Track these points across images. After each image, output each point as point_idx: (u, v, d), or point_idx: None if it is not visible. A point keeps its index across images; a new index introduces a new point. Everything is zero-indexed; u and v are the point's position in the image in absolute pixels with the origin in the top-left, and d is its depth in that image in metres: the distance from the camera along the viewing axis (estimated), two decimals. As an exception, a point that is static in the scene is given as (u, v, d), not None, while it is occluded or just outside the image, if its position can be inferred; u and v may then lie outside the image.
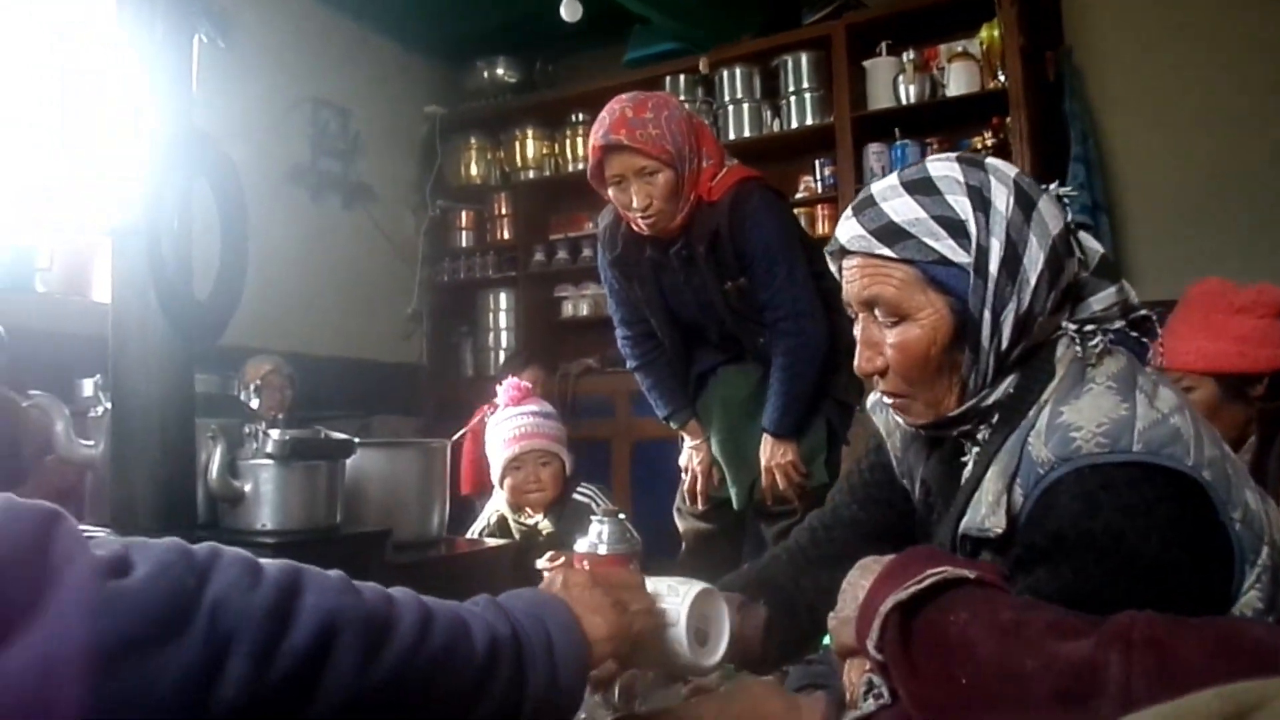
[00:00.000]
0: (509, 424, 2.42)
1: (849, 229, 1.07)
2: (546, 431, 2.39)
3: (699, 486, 2.38)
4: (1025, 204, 1.02)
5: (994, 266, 0.99)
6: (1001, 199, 1.01)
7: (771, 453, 2.21)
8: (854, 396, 2.28)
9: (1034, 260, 1.00)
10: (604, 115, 2.16)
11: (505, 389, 2.50)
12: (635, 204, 2.14)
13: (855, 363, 1.09)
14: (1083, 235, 1.08)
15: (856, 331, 1.10)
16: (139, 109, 1.51)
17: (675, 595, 1.04)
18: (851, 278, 1.07)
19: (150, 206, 1.43)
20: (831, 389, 2.28)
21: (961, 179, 1.03)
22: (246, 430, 1.48)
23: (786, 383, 2.19)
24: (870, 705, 0.89)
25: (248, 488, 1.46)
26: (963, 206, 1.01)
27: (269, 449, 1.44)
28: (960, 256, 1.00)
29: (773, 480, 2.22)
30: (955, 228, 1.00)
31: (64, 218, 3.68)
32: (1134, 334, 1.05)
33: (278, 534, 1.45)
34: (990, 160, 1.07)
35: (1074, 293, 1.06)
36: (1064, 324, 1.04)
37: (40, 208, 3.63)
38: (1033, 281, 1.00)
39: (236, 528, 1.48)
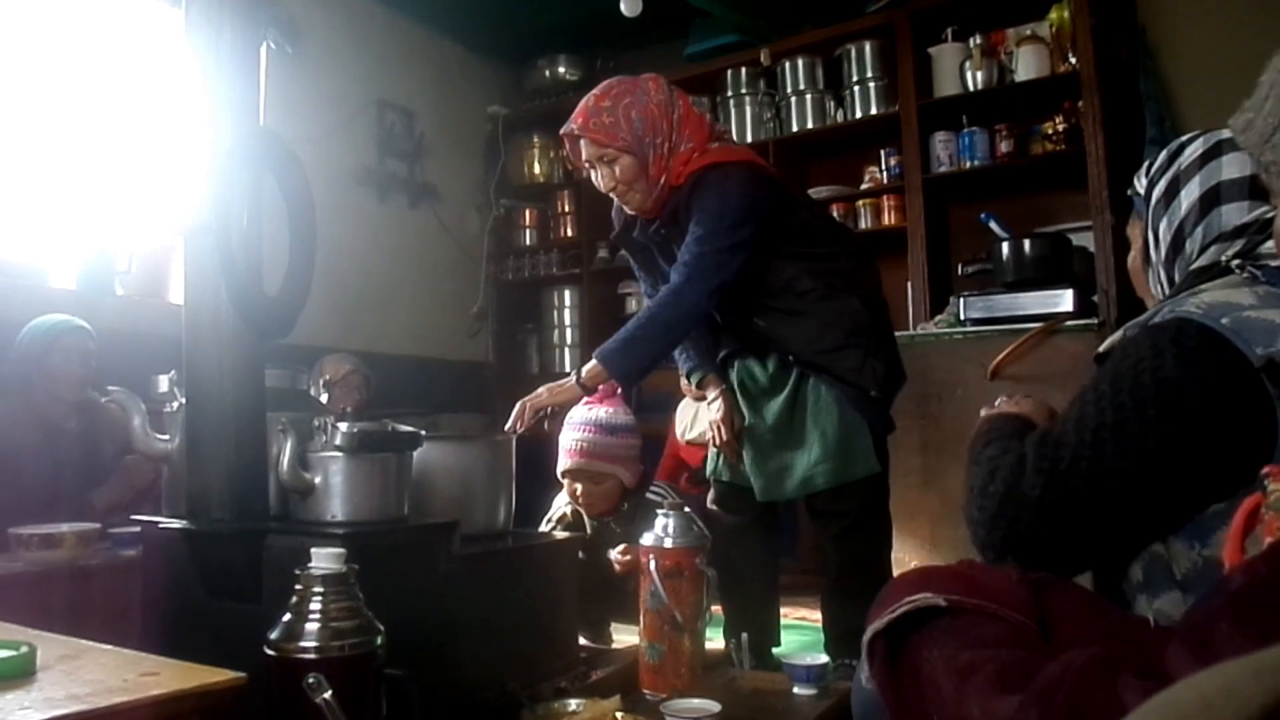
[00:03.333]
0: (573, 433, 2.43)
1: None
2: (604, 451, 2.40)
3: (725, 437, 2.35)
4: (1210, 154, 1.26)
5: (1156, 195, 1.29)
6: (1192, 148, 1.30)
7: (558, 387, 2.19)
8: (869, 381, 2.20)
9: (1190, 194, 1.24)
10: (580, 103, 2.25)
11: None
12: (603, 185, 2.25)
13: None
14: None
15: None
16: (209, 113, 1.54)
17: None
18: None
19: (220, 205, 1.46)
20: (836, 369, 2.21)
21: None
22: (316, 423, 1.50)
23: (640, 322, 2.16)
24: None
25: (318, 479, 1.49)
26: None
27: (338, 441, 1.46)
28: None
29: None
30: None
31: (142, 222, 3.79)
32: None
33: (347, 525, 1.48)
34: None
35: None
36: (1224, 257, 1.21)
37: (119, 213, 3.75)
38: (1184, 210, 1.23)
39: (307, 519, 1.51)
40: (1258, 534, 0.84)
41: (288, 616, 1.20)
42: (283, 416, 1.51)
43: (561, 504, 2.58)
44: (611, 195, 2.28)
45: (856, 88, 4.32)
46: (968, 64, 3.97)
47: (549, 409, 2.17)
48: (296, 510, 1.53)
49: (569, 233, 5.17)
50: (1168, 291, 1.29)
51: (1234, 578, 0.67)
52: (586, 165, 2.27)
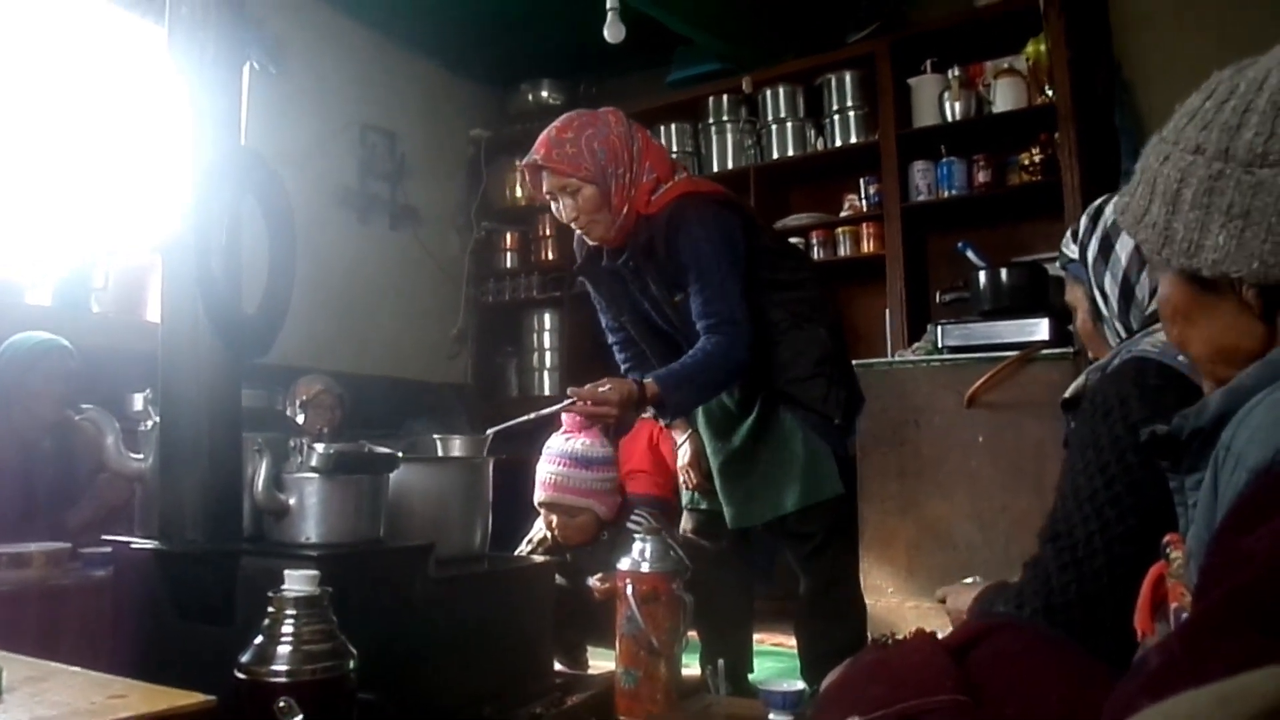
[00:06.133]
0: (549, 465, 2.43)
1: None
2: (578, 485, 2.40)
3: (695, 480, 2.39)
4: None
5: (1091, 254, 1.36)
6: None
7: (607, 384, 2.09)
8: (833, 410, 2.24)
9: (1125, 245, 1.31)
10: (541, 134, 2.26)
11: (566, 414, 2.51)
12: (564, 216, 2.24)
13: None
14: None
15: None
16: (190, 131, 1.54)
17: None
18: None
19: (199, 223, 1.45)
20: (806, 399, 2.24)
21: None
22: (291, 444, 1.50)
23: (695, 367, 2.11)
24: None
25: (292, 501, 1.48)
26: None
27: (313, 462, 1.46)
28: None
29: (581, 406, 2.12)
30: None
31: (120, 239, 3.77)
32: None
33: (321, 546, 1.47)
34: None
35: None
36: None
37: (96, 229, 3.72)
38: (1124, 261, 1.29)
39: (281, 540, 1.49)
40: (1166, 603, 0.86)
41: (260, 639, 1.19)
42: (258, 437, 1.50)
43: (541, 527, 2.57)
44: (573, 226, 2.27)
45: (837, 116, 4.37)
46: (946, 95, 4.02)
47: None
48: (271, 531, 1.52)
49: (550, 256, 5.17)
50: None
51: (1151, 658, 0.69)
52: (548, 196, 2.27)
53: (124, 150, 3.81)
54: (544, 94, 5.20)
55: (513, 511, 2.67)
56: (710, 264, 2.15)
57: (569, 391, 2.12)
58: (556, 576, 2.18)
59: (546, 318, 5.17)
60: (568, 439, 2.46)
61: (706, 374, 2.13)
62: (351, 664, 1.21)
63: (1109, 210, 1.37)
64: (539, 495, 2.45)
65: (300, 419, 2.21)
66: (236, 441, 1.51)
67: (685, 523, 2.50)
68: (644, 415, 2.35)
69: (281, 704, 1.11)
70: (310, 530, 1.48)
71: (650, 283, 2.24)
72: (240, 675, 1.16)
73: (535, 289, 5.15)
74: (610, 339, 2.50)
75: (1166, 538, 0.92)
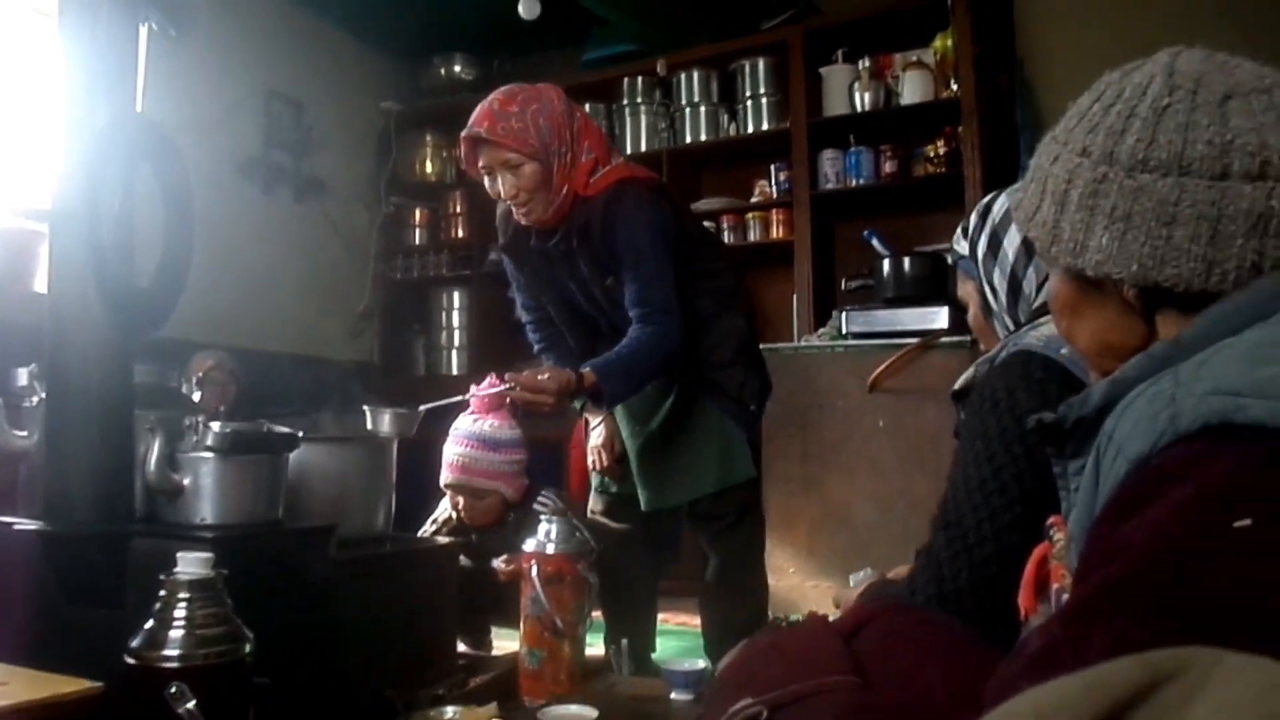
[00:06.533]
0: (455, 447, 2.41)
1: None
2: (485, 467, 2.37)
3: (605, 463, 2.38)
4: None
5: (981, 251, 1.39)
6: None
7: (548, 373, 2.09)
8: (749, 397, 2.30)
9: (1012, 241, 1.35)
10: (477, 109, 2.18)
11: (474, 395, 2.48)
12: (503, 193, 2.18)
13: None
14: None
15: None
16: (81, 95, 1.47)
17: None
18: None
19: (89, 191, 1.40)
20: (725, 385, 2.29)
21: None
22: (187, 423, 1.45)
23: (631, 357, 2.13)
24: None
25: (187, 481, 1.44)
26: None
27: (209, 441, 1.42)
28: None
29: (517, 394, 2.14)
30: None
31: (4, 207, 3.59)
32: None
33: (217, 528, 1.43)
34: None
35: None
36: None
37: (-20, 195, 3.54)
38: (1011, 257, 1.33)
39: (175, 521, 1.45)
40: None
41: (150, 623, 1.15)
42: (151, 415, 1.46)
43: (446, 507, 2.55)
44: (509, 204, 2.22)
45: (749, 102, 4.40)
46: (856, 85, 4.09)
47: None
48: (164, 513, 1.47)
49: (460, 234, 5.11)
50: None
51: (1031, 640, 0.72)
52: (484, 171, 2.21)
53: (10, 113, 3.63)
54: (457, 69, 5.12)
55: (418, 492, 2.64)
56: (646, 253, 2.16)
57: (507, 377, 2.10)
58: (461, 558, 2.17)
59: (456, 296, 5.10)
60: (475, 420, 2.44)
61: (642, 363, 2.15)
62: (247, 648, 1.18)
63: (997, 207, 1.41)
64: (445, 477, 2.42)
65: (197, 396, 2.14)
66: (128, 419, 1.46)
67: (593, 504, 2.50)
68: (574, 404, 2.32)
69: (173, 690, 1.08)
70: (205, 511, 1.44)
71: (581, 265, 2.22)
72: (130, 661, 1.13)
73: (445, 267, 5.08)
74: (525, 318, 2.47)
75: (1050, 520, 0.96)
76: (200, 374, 3.28)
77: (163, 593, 1.17)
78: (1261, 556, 0.64)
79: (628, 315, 2.24)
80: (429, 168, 5.19)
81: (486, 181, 2.23)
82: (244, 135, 4.44)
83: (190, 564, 1.18)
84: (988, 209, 1.44)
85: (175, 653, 1.13)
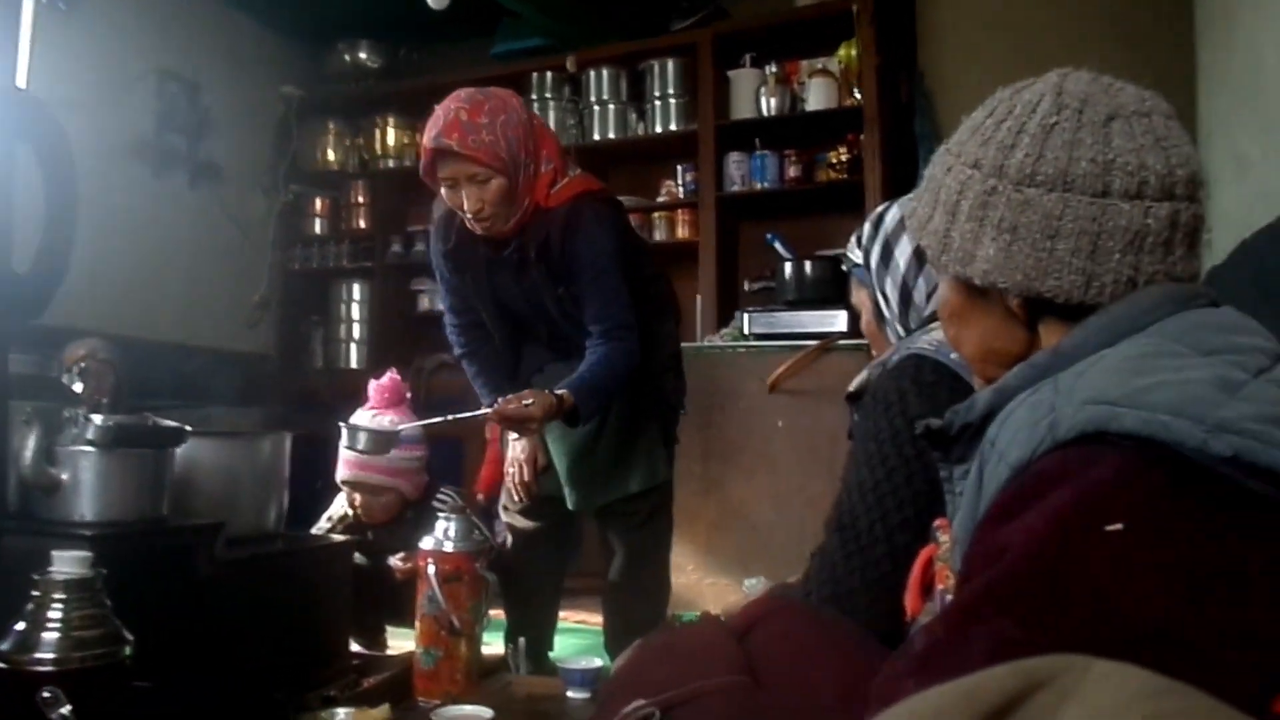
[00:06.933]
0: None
1: None
2: (383, 464, 2.33)
3: (525, 478, 2.36)
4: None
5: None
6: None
7: (530, 398, 2.06)
8: (677, 400, 2.41)
9: (903, 251, 1.38)
10: (438, 113, 2.09)
11: (373, 389, 2.43)
12: (467, 207, 2.10)
13: None
14: None
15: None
16: (-44, 66, 1.40)
17: None
18: None
19: (-36, 171, 1.33)
20: (658, 391, 2.35)
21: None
22: (66, 415, 1.39)
23: (604, 375, 2.15)
24: None
25: (65, 476, 1.38)
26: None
27: (90, 435, 1.37)
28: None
29: (497, 419, 2.11)
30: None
31: None
32: None
33: (97, 525, 1.38)
34: None
35: None
36: None
37: None
38: (902, 267, 1.37)
39: (52, 518, 1.39)
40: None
41: (21, 625, 1.10)
42: (27, 405, 1.39)
43: (342, 504, 2.50)
44: (467, 216, 2.13)
45: (658, 102, 4.42)
46: (763, 90, 4.14)
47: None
48: (39, 509, 1.41)
49: (362, 224, 5.01)
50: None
51: (916, 640, 0.75)
52: (445, 183, 2.11)
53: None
54: (362, 55, 5.02)
55: (314, 488, 2.58)
56: (608, 268, 2.16)
57: (498, 403, 2.06)
58: (357, 555, 2.13)
59: (356, 288, 5.00)
60: (374, 415, 2.39)
61: (612, 381, 2.16)
62: (127, 650, 1.14)
63: (889, 217, 1.45)
64: (342, 473, 2.37)
65: (78, 387, 2.05)
66: (1, 410, 1.40)
67: (505, 500, 2.47)
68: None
69: (46, 695, 1.04)
70: (84, 508, 1.39)
71: (533, 274, 2.19)
72: (-1, 664, 1.08)
73: (345, 258, 4.97)
74: (452, 320, 2.38)
75: (936, 522, 0.99)
76: (75, 363, 3.14)
77: (36, 593, 1.12)
78: (1132, 560, 0.67)
79: (576, 323, 2.23)
80: (331, 155, 5.07)
81: (445, 192, 2.13)
82: (136, 116, 4.27)
83: (66, 563, 1.13)
84: (880, 219, 1.48)
85: (49, 656, 1.08)
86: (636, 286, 2.27)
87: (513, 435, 2.35)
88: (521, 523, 2.42)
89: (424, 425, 2.24)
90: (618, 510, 2.34)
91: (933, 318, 1.35)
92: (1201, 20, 3.05)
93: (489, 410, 2.09)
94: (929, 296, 1.39)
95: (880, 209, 1.50)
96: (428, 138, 2.07)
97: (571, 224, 2.15)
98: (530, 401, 2.04)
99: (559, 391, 2.06)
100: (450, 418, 2.14)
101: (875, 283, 1.47)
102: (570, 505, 2.33)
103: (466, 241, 2.25)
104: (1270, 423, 0.68)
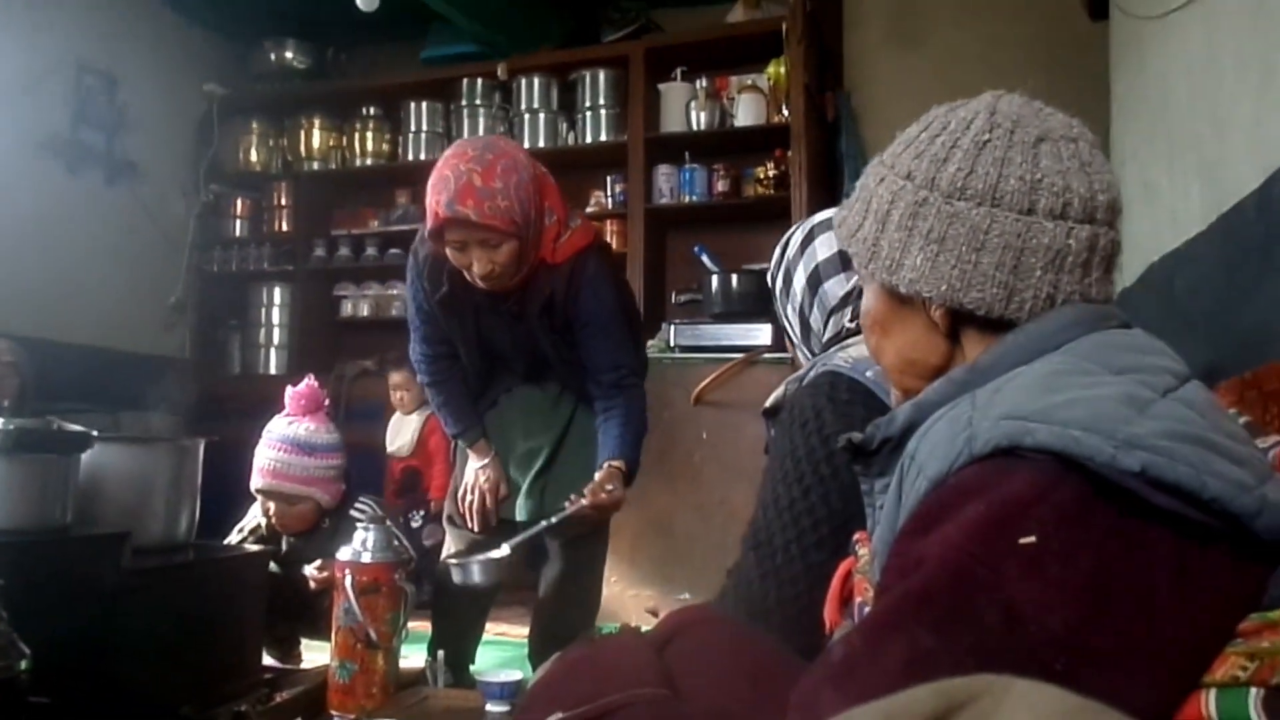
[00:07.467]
0: (269, 450, 2.31)
1: None
2: (298, 473, 2.29)
3: (487, 504, 2.32)
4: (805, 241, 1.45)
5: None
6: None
7: (609, 482, 2.14)
8: None
9: (799, 280, 1.40)
10: (447, 175, 1.99)
11: (290, 396, 2.38)
12: (476, 270, 2.04)
13: None
14: None
15: None
16: None
17: None
18: None
19: None
20: None
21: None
22: (-36, 418, 1.34)
23: (636, 428, 2.25)
24: None
25: (-39, 482, 1.32)
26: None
27: (-11, 439, 1.31)
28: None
29: (592, 511, 2.15)
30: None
31: None
32: None
33: (-5, 534, 1.32)
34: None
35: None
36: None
37: None
38: (799, 295, 1.40)
39: (-55, 526, 1.33)
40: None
41: (-90, 637, 1.05)
42: (-78, 408, 1.33)
43: (256, 514, 2.44)
44: (476, 277, 2.05)
45: (589, 113, 4.42)
46: (693, 104, 4.18)
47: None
48: (-67, 515, 1.35)
49: (284, 227, 4.91)
50: None
51: (834, 650, 0.76)
52: (453, 245, 2.03)
53: None
54: (288, 55, 4.93)
55: (228, 497, 2.51)
56: (615, 318, 2.19)
57: (584, 494, 2.09)
58: (271, 565, 2.08)
59: (277, 292, 4.90)
60: (290, 422, 2.34)
61: (642, 427, 2.27)
62: (23, 664, 1.09)
63: (792, 245, 1.49)
64: (256, 481, 2.31)
65: (-20, 389, 1.98)
66: (-106, 412, 1.33)
67: (449, 510, 2.42)
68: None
69: (-67, 711, 0.99)
70: (-18, 515, 1.33)
71: (531, 324, 2.17)
72: (-118, 679, 1.03)
73: (266, 260, 4.87)
74: (425, 350, 2.31)
75: (856, 535, 1.00)
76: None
77: (-74, 604, 1.07)
78: (1044, 572, 0.68)
79: (569, 362, 2.23)
80: (254, 156, 4.97)
81: (451, 253, 2.06)
82: (50, 110, 4.13)
83: (-40, 573, 1.08)
84: (785, 246, 1.51)
85: (-62, 670, 1.03)
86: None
87: (474, 459, 2.32)
88: (466, 534, 2.38)
89: (526, 537, 2.14)
90: (568, 520, 2.32)
91: (832, 343, 1.37)
92: (1115, 51, 3.15)
93: (584, 503, 2.09)
94: (825, 324, 1.41)
95: (786, 236, 1.53)
96: (439, 203, 1.97)
97: (575, 279, 2.14)
98: (612, 487, 2.12)
99: (615, 463, 2.16)
100: (548, 521, 2.11)
101: (779, 308, 1.50)
102: (522, 515, 2.30)
103: (460, 288, 2.17)
104: (1177, 439, 0.70)
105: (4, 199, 3.80)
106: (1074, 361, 0.79)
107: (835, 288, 1.40)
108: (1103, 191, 0.85)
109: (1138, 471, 0.69)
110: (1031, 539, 0.69)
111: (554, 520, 2.11)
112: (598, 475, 2.16)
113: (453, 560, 2.14)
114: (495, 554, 2.10)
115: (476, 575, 2.10)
